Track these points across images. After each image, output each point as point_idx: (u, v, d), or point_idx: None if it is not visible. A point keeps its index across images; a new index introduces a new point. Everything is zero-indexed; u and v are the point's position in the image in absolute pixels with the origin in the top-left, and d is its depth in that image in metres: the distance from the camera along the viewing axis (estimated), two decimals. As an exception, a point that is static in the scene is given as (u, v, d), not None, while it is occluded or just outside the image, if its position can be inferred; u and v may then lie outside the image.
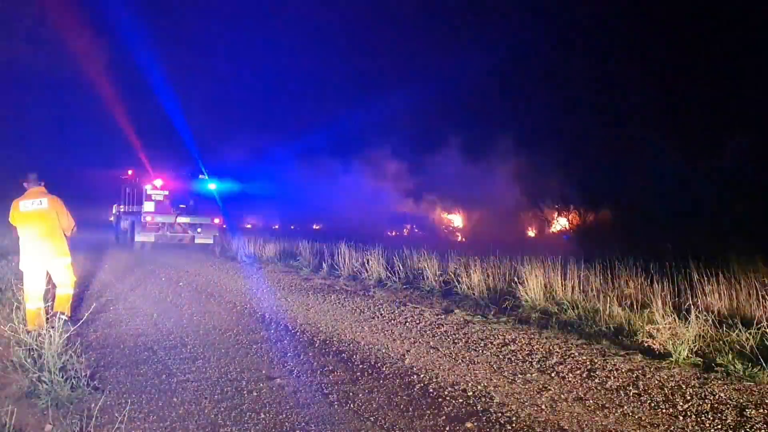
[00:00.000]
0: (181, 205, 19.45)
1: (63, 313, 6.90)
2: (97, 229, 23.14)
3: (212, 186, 20.19)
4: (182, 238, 19.64)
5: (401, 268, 11.73)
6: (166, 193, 19.28)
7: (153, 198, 19.07)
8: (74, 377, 4.79)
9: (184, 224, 19.35)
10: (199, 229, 19.53)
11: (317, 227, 33.01)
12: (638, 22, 28.27)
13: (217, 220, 20.01)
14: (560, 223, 25.56)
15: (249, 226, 32.53)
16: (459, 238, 26.73)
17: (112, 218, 23.78)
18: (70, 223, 7.20)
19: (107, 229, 23.92)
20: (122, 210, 21.87)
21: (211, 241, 19.69)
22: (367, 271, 12.25)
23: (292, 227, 32.32)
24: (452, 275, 10.46)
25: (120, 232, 22.01)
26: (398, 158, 29.91)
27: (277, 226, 33.54)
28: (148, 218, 18.81)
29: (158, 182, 19.40)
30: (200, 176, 20.47)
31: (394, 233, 29.01)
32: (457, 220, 29.86)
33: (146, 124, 29.62)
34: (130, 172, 21.39)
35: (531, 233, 25.95)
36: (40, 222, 6.86)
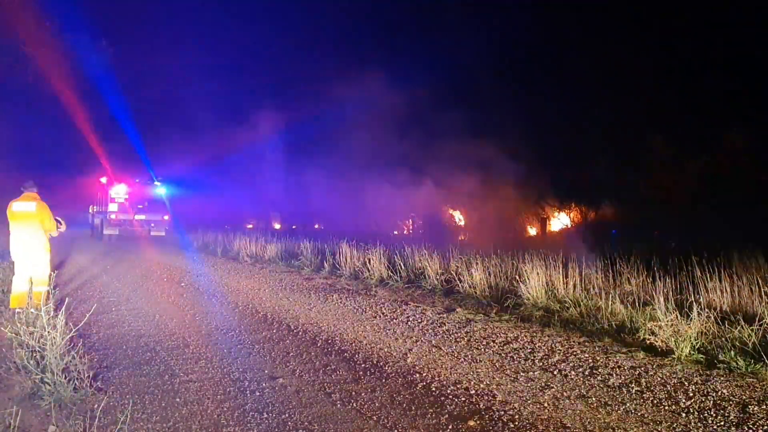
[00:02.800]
0: (139, 206, 24.16)
1: (36, 309, 7.26)
2: (74, 226, 25.99)
3: (162, 190, 25.16)
4: (140, 232, 24.24)
5: (403, 267, 11.74)
6: (127, 196, 23.99)
7: (116, 200, 23.89)
8: (77, 378, 4.80)
9: (140, 220, 24.10)
10: (152, 224, 24.28)
11: (318, 227, 33.02)
12: (638, 18, 28.23)
13: (166, 217, 24.80)
14: (561, 220, 25.56)
15: (250, 226, 32.58)
16: (461, 237, 26.72)
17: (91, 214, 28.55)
18: (52, 225, 8.26)
19: (83, 226, 27.43)
20: (95, 210, 26.72)
21: (163, 234, 24.36)
22: (368, 271, 12.25)
23: (293, 227, 32.34)
24: (454, 274, 10.47)
25: (94, 227, 26.55)
26: (396, 155, 29.82)
27: (278, 226, 33.58)
28: (113, 216, 23.69)
29: (121, 188, 24.16)
30: (155, 182, 25.38)
31: (395, 232, 29.01)
32: (459, 218, 29.85)
33: (111, 136, 33.85)
34: (102, 179, 25.88)
35: (533, 231, 25.93)
36: (27, 222, 8.02)
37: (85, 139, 31.86)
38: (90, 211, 27.97)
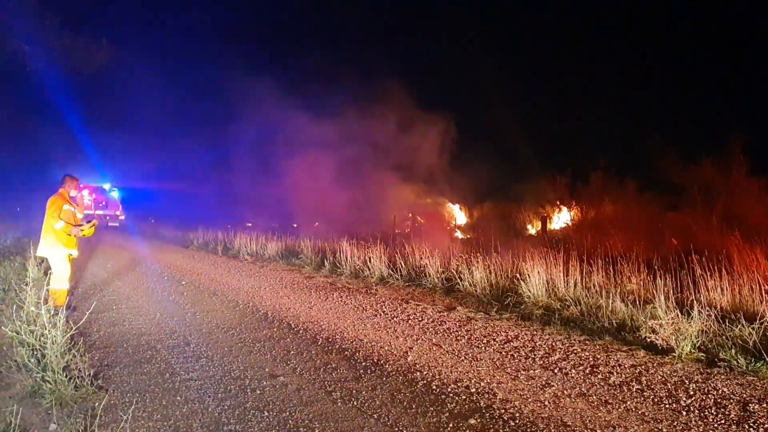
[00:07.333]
0: (100, 204, 32.31)
1: (56, 308, 7.17)
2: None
3: (115, 193, 33.54)
4: (100, 223, 29.83)
5: (403, 265, 11.74)
6: (91, 197, 31.35)
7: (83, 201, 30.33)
8: (78, 377, 4.81)
9: (100, 215, 31.19)
10: (108, 218, 32.20)
11: (318, 225, 32.99)
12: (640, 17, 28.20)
13: (118, 213, 32.94)
14: (562, 219, 25.54)
15: (249, 225, 32.62)
16: (462, 235, 26.74)
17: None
18: (54, 222, 7.86)
19: None
20: None
21: (117, 225, 32.17)
22: (369, 269, 12.25)
23: (295, 226, 32.33)
24: (454, 272, 10.46)
25: None
26: (396, 154, 29.76)
27: (276, 226, 33.59)
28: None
29: (86, 192, 30.73)
30: (113, 188, 33.66)
31: (397, 230, 29.01)
32: (460, 216, 29.83)
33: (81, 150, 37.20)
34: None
35: (533, 230, 25.90)
36: (46, 215, 8.00)
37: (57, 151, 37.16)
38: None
